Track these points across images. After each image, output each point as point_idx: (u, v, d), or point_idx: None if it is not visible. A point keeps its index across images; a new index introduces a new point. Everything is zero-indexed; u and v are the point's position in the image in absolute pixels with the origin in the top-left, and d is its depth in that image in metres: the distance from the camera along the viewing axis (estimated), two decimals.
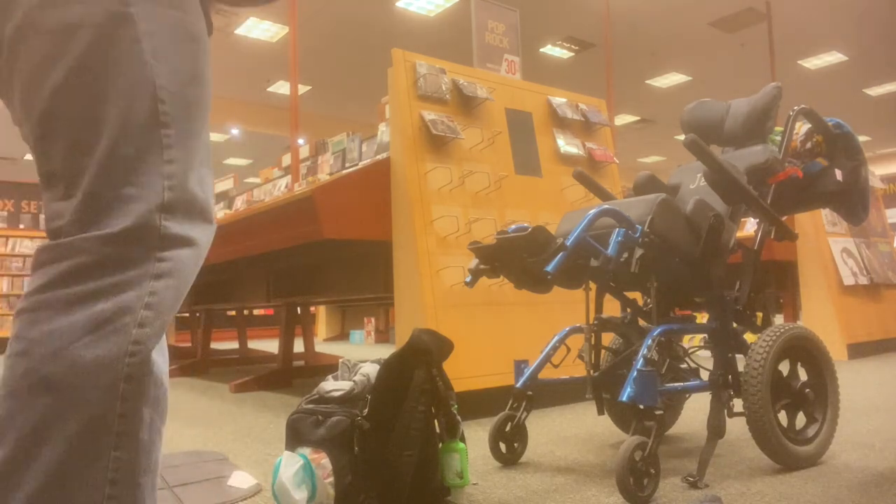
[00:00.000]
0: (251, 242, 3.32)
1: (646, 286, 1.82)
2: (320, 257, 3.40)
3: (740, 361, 1.75)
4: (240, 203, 5.37)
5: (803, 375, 1.83)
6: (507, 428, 1.89)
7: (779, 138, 1.99)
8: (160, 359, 0.74)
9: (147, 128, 0.72)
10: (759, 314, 1.90)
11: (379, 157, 3.35)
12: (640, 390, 1.54)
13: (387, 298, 3.31)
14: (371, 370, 1.51)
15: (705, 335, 1.88)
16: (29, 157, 11.90)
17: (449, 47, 7.40)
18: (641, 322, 1.97)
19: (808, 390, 1.79)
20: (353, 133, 4.15)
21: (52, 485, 0.66)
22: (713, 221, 1.73)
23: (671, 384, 1.81)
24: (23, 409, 0.66)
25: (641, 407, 1.54)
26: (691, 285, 1.85)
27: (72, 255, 0.69)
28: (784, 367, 1.76)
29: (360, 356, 1.71)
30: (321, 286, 3.64)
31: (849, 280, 4.72)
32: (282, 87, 11.20)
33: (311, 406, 1.49)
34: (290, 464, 1.42)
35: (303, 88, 10.71)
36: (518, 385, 1.88)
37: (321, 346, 6.82)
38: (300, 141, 5.14)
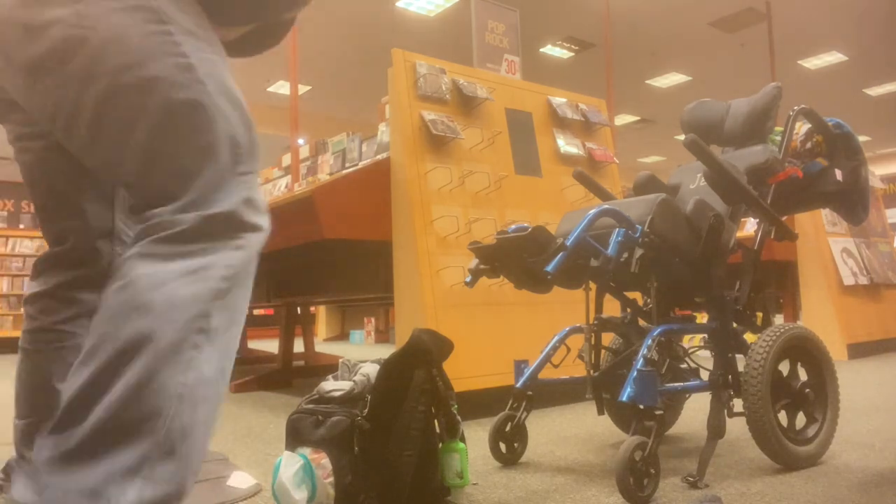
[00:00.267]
0: None
1: (646, 286, 1.82)
2: (320, 257, 3.40)
3: (740, 361, 1.75)
4: None
5: (803, 375, 1.83)
6: (507, 428, 1.89)
7: (779, 138, 1.99)
8: (238, 313, 0.94)
9: (231, 167, 0.96)
10: (759, 314, 1.90)
11: (379, 157, 3.35)
12: (640, 390, 1.54)
13: (387, 298, 3.30)
14: (371, 370, 1.51)
15: (705, 335, 1.89)
16: None
17: (449, 47, 7.40)
18: (641, 322, 1.97)
19: (808, 390, 1.79)
20: (353, 133, 4.14)
21: (131, 396, 0.80)
22: (713, 221, 1.73)
23: (671, 384, 1.81)
24: (119, 329, 0.83)
25: (641, 407, 1.54)
26: (691, 285, 1.84)
27: (176, 225, 0.89)
28: (784, 367, 1.76)
29: (360, 356, 1.71)
30: (321, 286, 3.63)
31: (849, 280, 4.72)
32: (282, 87, 11.18)
33: (311, 406, 1.49)
34: (290, 464, 1.41)
35: (303, 88, 10.70)
36: (518, 385, 1.88)
37: (321, 346, 6.81)
38: (300, 141, 5.13)
